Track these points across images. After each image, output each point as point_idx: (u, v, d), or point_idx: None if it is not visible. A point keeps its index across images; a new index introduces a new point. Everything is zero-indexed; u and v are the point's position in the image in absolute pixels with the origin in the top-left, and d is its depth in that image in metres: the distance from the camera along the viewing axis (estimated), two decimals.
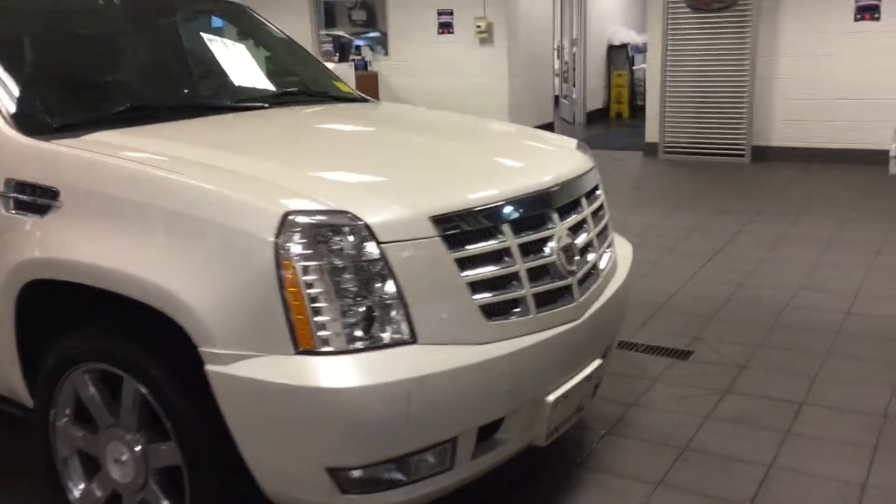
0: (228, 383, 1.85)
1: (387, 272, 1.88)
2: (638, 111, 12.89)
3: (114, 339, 2.08)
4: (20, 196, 2.18)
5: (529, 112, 10.32)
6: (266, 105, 2.93)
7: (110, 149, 2.16)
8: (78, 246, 2.06)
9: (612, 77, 13.25)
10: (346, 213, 1.88)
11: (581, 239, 2.35)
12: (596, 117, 12.71)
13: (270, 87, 3.29)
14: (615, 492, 2.53)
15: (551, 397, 2.18)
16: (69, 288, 2.11)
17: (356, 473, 1.88)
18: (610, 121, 12.92)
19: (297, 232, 1.83)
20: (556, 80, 12.43)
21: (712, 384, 3.25)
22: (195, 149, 2.23)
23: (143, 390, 2.01)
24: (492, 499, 2.49)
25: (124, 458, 2.12)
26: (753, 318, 3.99)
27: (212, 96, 3.04)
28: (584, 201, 2.45)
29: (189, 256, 1.89)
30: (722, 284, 4.51)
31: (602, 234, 2.55)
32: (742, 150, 8.45)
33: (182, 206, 1.93)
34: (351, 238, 1.86)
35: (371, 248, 1.87)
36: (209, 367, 1.86)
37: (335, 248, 1.85)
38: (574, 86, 12.53)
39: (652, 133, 8.99)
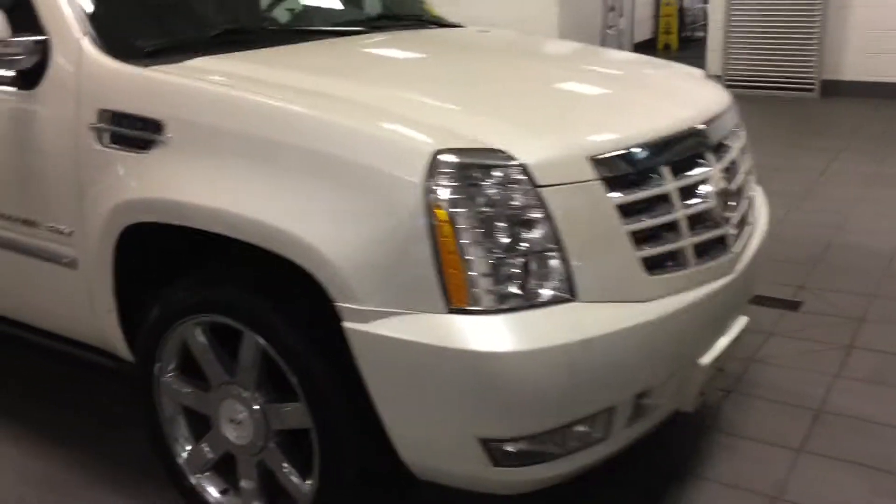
0: (370, 343, 1.65)
1: (545, 220, 1.65)
2: (687, 42, 12.37)
3: (232, 289, 1.88)
4: (118, 129, 1.95)
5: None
6: (364, 30, 2.66)
7: (219, 77, 1.92)
8: (188, 185, 1.84)
9: (660, 7, 12.67)
10: (501, 152, 1.64)
11: (735, 182, 2.11)
12: (643, 49, 12.20)
13: (362, 9, 3.00)
14: (757, 459, 2.32)
15: (706, 360, 1.97)
16: (175, 232, 1.92)
17: (510, 445, 1.68)
18: (658, 52, 12.40)
19: (448, 174, 1.60)
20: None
21: (832, 338, 3.02)
22: (314, 78, 1.98)
23: (266, 346, 1.82)
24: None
25: (240, 417, 1.94)
26: (859, 265, 3.73)
27: (307, 20, 2.76)
28: (731, 140, 2.20)
29: (322, 200, 1.67)
30: (818, 228, 4.23)
31: (748, 177, 2.29)
32: (811, 83, 8.00)
33: (313, 144, 1.70)
34: (506, 181, 1.63)
35: (528, 193, 1.64)
36: (348, 325, 1.66)
37: (490, 192, 1.62)
38: (621, 16, 12.00)
39: (713, 65, 8.55)
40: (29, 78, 2.10)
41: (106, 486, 2.30)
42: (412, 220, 1.60)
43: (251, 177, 1.76)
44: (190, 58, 2.05)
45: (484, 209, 1.61)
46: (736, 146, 2.22)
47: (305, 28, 2.61)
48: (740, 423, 2.50)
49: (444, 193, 1.59)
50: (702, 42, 9.49)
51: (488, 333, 1.60)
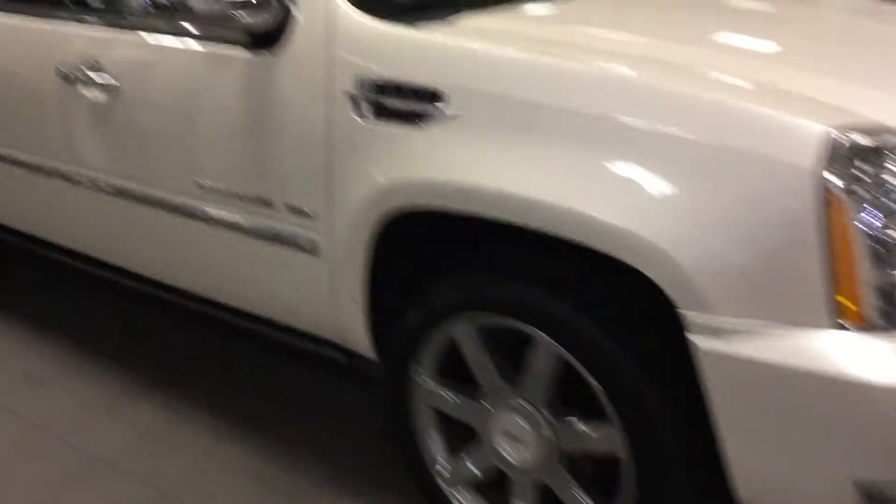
0: (724, 362, 1.36)
1: None
2: None
3: (523, 285, 1.61)
4: (382, 99, 1.70)
5: None
6: None
7: (509, 38, 1.64)
8: (477, 166, 1.57)
9: None
10: None
11: None
12: None
13: None
14: None
15: None
16: (444, 219, 1.67)
17: (891, 489, 1.38)
18: None
19: (847, 159, 1.28)
20: None
21: None
22: (629, 38, 1.68)
23: (567, 356, 1.56)
24: None
25: (521, 433, 1.70)
26: None
27: None
28: None
29: (665, 188, 1.37)
30: None
31: None
32: None
33: (653, 120, 1.40)
34: None
35: None
36: (695, 339, 1.37)
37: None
38: None
39: None
40: (266, 39, 1.86)
41: (345, 496, 2.12)
42: (797, 214, 1.29)
43: (561, 158, 1.48)
44: (454, 14, 1.77)
45: (891, 203, 1.29)
46: None
47: None
48: None
49: (841, 182, 1.27)
50: None
51: (891, 360, 1.29)
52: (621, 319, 1.51)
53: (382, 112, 1.70)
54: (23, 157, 2.55)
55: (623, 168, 1.41)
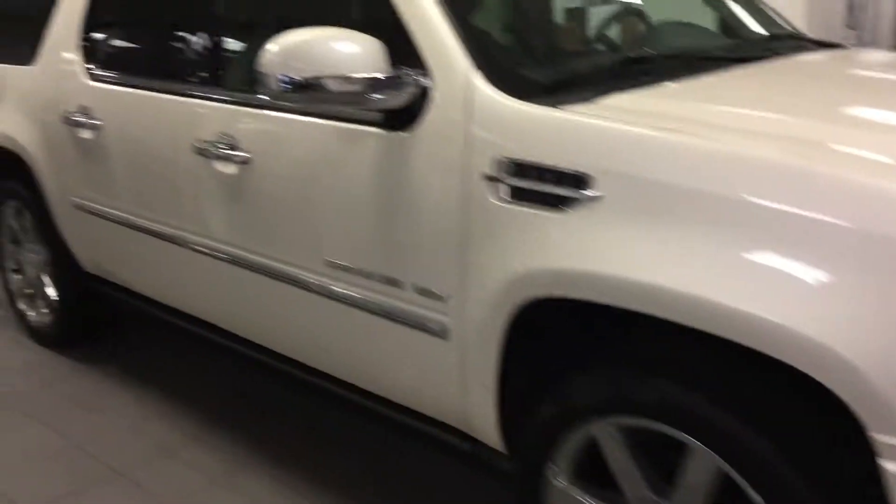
0: None
1: None
2: None
3: (677, 388, 1.47)
4: (524, 181, 1.62)
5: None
6: (760, 55, 2.18)
7: (659, 120, 1.54)
8: (624, 256, 1.46)
9: None
10: None
11: None
12: None
13: (741, 30, 2.54)
14: None
15: None
16: (588, 308, 1.56)
17: None
18: None
19: None
20: None
21: None
22: (783, 116, 1.56)
23: (728, 469, 1.41)
24: None
25: None
26: None
27: (699, 44, 2.34)
28: None
29: (840, 284, 1.23)
30: None
31: None
32: None
33: (817, 210, 1.26)
34: None
35: None
36: (892, 468, 1.21)
37: None
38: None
39: None
40: (400, 118, 1.83)
41: None
42: None
43: (720, 251, 1.35)
44: (598, 94, 1.69)
45: None
46: None
47: (711, 55, 2.14)
48: None
49: None
50: None
51: None
52: (794, 431, 1.35)
53: (521, 194, 1.62)
54: (158, 227, 2.60)
55: (778, 257, 1.28)
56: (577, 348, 1.67)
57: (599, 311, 1.54)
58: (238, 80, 2.34)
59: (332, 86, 1.75)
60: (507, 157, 1.65)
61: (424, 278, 1.84)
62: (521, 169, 1.62)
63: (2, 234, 3.57)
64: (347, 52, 1.75)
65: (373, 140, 1.89)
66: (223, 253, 2.37)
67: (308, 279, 2.13)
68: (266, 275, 2.25)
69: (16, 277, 3.57)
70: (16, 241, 3.52)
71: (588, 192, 1.52)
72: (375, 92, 1.77)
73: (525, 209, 1.62)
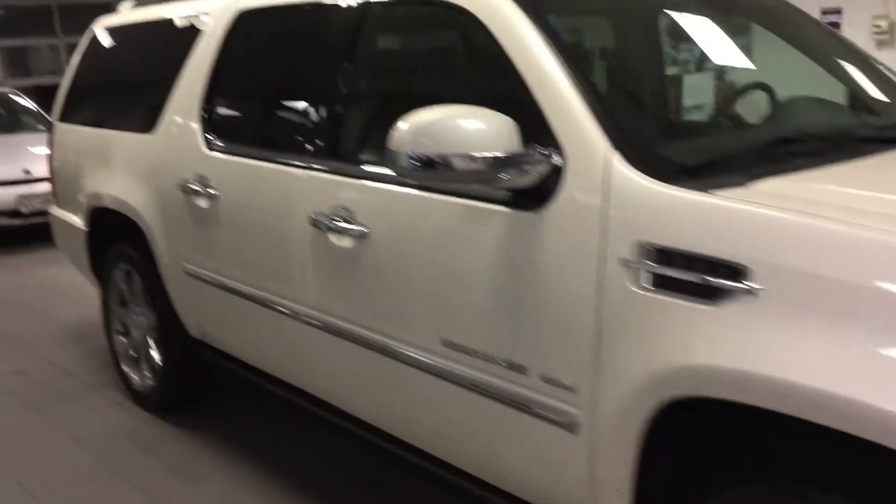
0: None
1: None
2: None
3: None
4: (669, 270, 1.51)
5: None
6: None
7: (825, 209, 1.42)
8: (787, 356, 1.33)
9: None
10: None
11: None
12: None
13: (879, 98, 2.41)
14: None
15: None
16: (742, 411, 1.42)
17: None
18: None
19: None
20: None
21: None
22: None
23: None
24: None
25: None
26: None
27: (849, 121, 2.23)
28: None
29: None
30: None
31: None
32: None
33: None
34: None
35: None
36: None
37: None
38: None
39: None
40: (530, 197, 1.77)
41: None
42: None
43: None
44: (750, 178, 1.58)
45: None
46: None
47: (861, 135, 2.02)
48: None
49: None
50: None
51: None
52: None
53: (666, 283, 1.52)
54: (268, 297, 2.59)
55: None
56: (727, 455, 1.53)
57: (754, 414, 1.41)
58: (356, 152, 2.33)
59: (462, 164, 1.69)
60: (650, 242, 1.55)
61: (552, 366, 1.73)
62: (666, 256, 1.52)
63: (110, 297, 3.65)
64: (478, 130, 1.70)
65: (500, 219, 1.83)
66: (333, 327, 2.33)
67: (423, 358, 2.05)
68: (378, 351, 2.19)
69: (121, 340, 3.63)
70: (123, 304, 3.59)
71: (745, 285, 1.40)
72: (504, 170, 1.71)
73: (669, 299, 1.51)
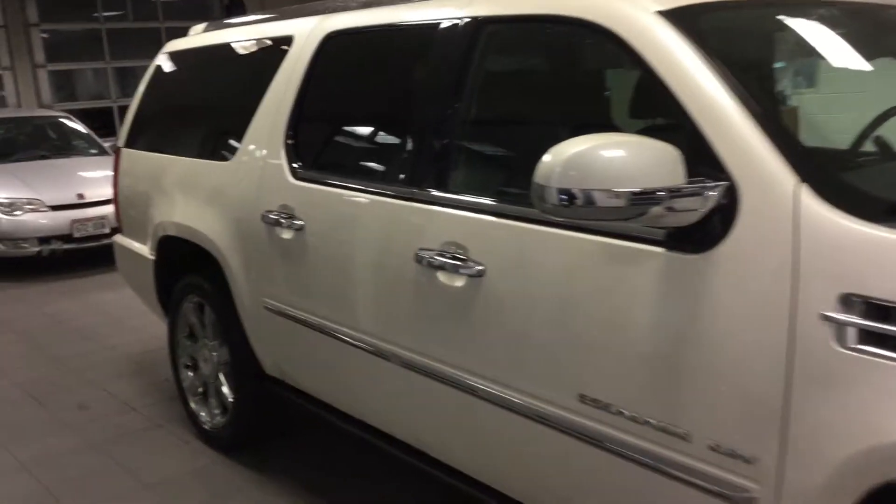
0: None
1: None
2: None
3: None
4: (886, 327, 1.29)
5: None
6: None
7: None
8: None
9: None
10: None
11: None
12: None
13: None
14: None
15: None
16: None
17: None
18: None
19: None
20: None
21: None
22: None
23: None
24: None
25: None
26: None
27: None
28: None
29: None
30: None
31: None
32: None
33: None
34: None
35: None
36: None
37: None
38: None
39: None
40: (693, 236, 1.55)
41: None
42: None
43: None
44: None
45: None
46: None
47: None
48: None
49: None
50: None
51: None
52: None
53: (878, 342, 1.29)
54: (360, 336, 2.39)
55: None
56: None
57: None
58: (469, 184, 2.14)
59: (614, 201, 1.49)
60: (858, 294, 1.32)
61: (724, 434, 1.51)
62: (879, 310, 1.30)
63: (178, 329, 3.48)
64: (637, 161, 1.49)
65: (653, 261, 1.61)
66: (439, 373, 2.12)
67: (552, 413, 1.83)
68: (494, 403, 1.98)
69: (189, 374, 3.46)
70: (192, 337, 3.42)
71: None
72: (662, 205, 1.50)
73: (883, 360, 1.28)
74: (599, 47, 1.90)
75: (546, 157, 1.53)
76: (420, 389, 2.21)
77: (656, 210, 1.50)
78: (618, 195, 1.49)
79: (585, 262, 1.74)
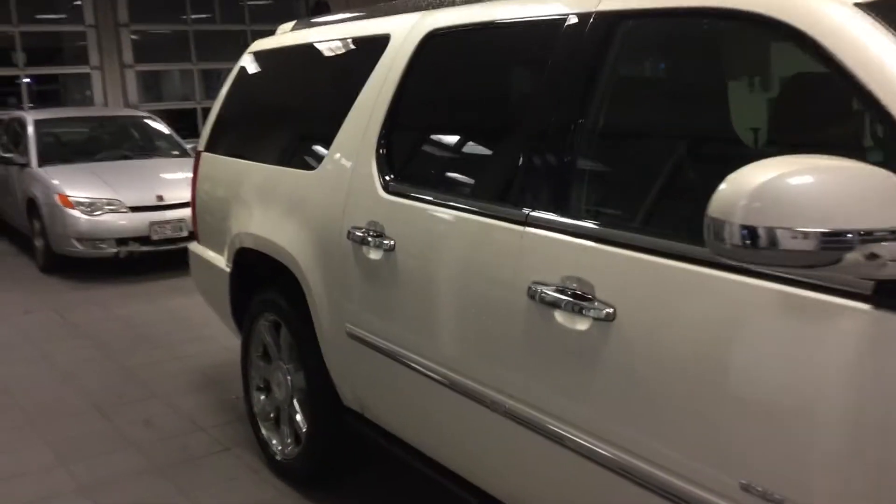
0: None
1: None
2: None
3: None
4: None
5: None
6: None
7: None
8: None
9: None
10: None
11: None
12: None
13: None
14: None
15: None
16: None
17: None
18: None
19: None
20: None
21: None
22: None
23: None
24: None
25: None
26: None
27: None
28: None
29: None
30: None
31: None
32: None
33: None
34: None
35: None
36: None
37: None
38: None
39: None
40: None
41: None
42: None
43: None
44: None
45: None
46: None
47: None
48: None
49: None
50: None
51: None
52: None
53: None
54: (454, 375, 2.08)
55: None
56: None
57: None
58: (597, 210, 1.81)
59: (785, 240, 1.16)
60: None
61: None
62: None
63: (251, 348, 3.24)
64: (848, 193, 1.15)
65: (851, 318, 1.26)
66: (549, 428, 1.80)
67: (702, 498, 1.49)
68: (622, 475, 1.64)
69: (261, 397, 3.22)
70: (266, 358, 3.18)
71: None
72: (859, 251, 1.16)
73: None
74: (777, 48, 1.55)
75: (724, 187, 1.20)
76: (526, 448, 1.89)
77: (852, 257, 1.16)
78: (805, 235, 1.16)
79: (756, 315, 1.39)
